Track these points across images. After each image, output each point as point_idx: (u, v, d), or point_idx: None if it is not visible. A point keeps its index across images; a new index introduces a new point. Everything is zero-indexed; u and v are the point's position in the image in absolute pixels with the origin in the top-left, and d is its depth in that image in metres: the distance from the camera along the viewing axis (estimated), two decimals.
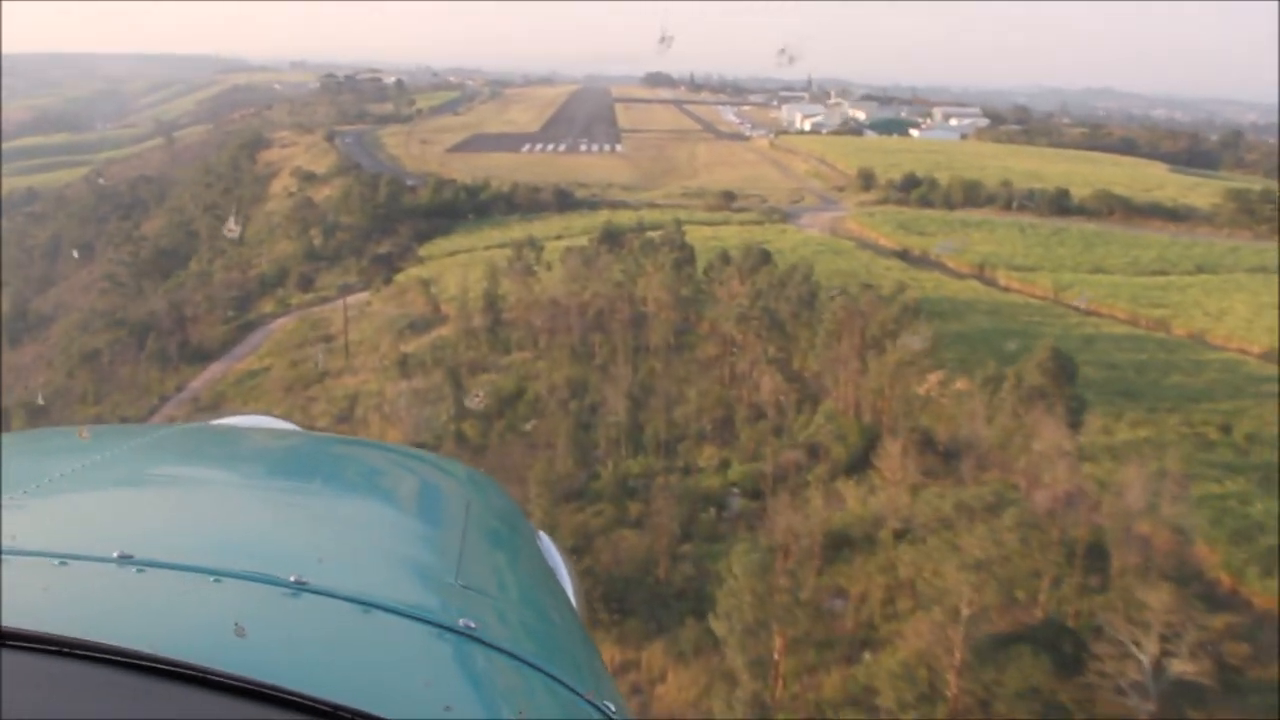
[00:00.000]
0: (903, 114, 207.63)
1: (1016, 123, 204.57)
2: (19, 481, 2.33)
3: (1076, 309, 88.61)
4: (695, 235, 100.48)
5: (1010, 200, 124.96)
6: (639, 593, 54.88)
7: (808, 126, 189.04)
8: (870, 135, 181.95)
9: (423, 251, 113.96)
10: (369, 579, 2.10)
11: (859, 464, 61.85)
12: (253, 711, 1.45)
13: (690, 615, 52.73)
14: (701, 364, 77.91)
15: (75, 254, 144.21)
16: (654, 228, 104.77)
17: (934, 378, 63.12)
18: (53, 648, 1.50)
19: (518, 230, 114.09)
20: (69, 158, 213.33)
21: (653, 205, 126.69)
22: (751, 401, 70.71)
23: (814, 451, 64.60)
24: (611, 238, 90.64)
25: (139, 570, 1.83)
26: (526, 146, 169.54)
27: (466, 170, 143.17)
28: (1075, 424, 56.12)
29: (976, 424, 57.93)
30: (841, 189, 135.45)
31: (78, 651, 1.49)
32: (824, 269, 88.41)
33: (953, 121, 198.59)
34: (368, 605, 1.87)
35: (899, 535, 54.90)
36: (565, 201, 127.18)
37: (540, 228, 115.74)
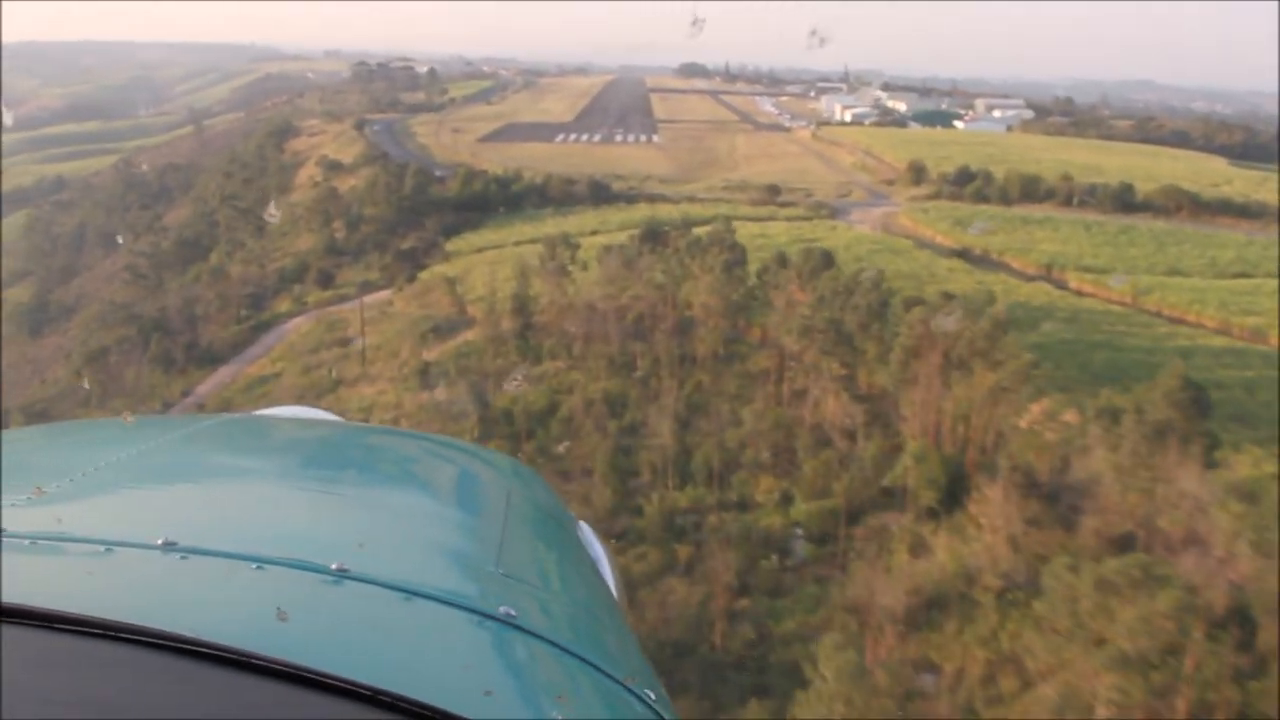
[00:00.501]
0: (943, 105, 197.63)
1: (1061, 114, 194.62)
2: (65, 469, 2.31)
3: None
4: (741, 232, 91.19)
5: (1071, 195, 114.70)
6: (691, 662, 45.10)
7: (848, 117, 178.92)
8: (914, 127, 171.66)
9: (450, 246, 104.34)
10: (410, 567, 2.09)
11: (945, 505, 51.93)
12: (294, 695, 1.46)
13: (752, 693, 43.16)
14: (754, 379, 67.96)
15: (119, 240, 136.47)
16: (698, 222, 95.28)
17: (1037, 408, 52.73)
18: (99, 631, 1.50)
19: (551, 224, 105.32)
20: (100, 145, 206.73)
21: (693, 199, 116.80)
22: (814, 424, 60.83)
23: (890, 488, 54.74)
24: (654, 235, 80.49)
25: (182, 557, 1.84)
26: (560, 136, 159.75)
27: (498, 160, 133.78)
28: (1211, 465, 46.05)
29: (1090, 463, 47.76)
30: (890, 183, 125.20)
31: (123, 635, 1.50)
32: (883, 271, 78.88)
33: (996, 113, 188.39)
34: (409, 593, 1.87)
35: (998, 596, 45.13)
36: (601, 194, 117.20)
37: (575, 222, 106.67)
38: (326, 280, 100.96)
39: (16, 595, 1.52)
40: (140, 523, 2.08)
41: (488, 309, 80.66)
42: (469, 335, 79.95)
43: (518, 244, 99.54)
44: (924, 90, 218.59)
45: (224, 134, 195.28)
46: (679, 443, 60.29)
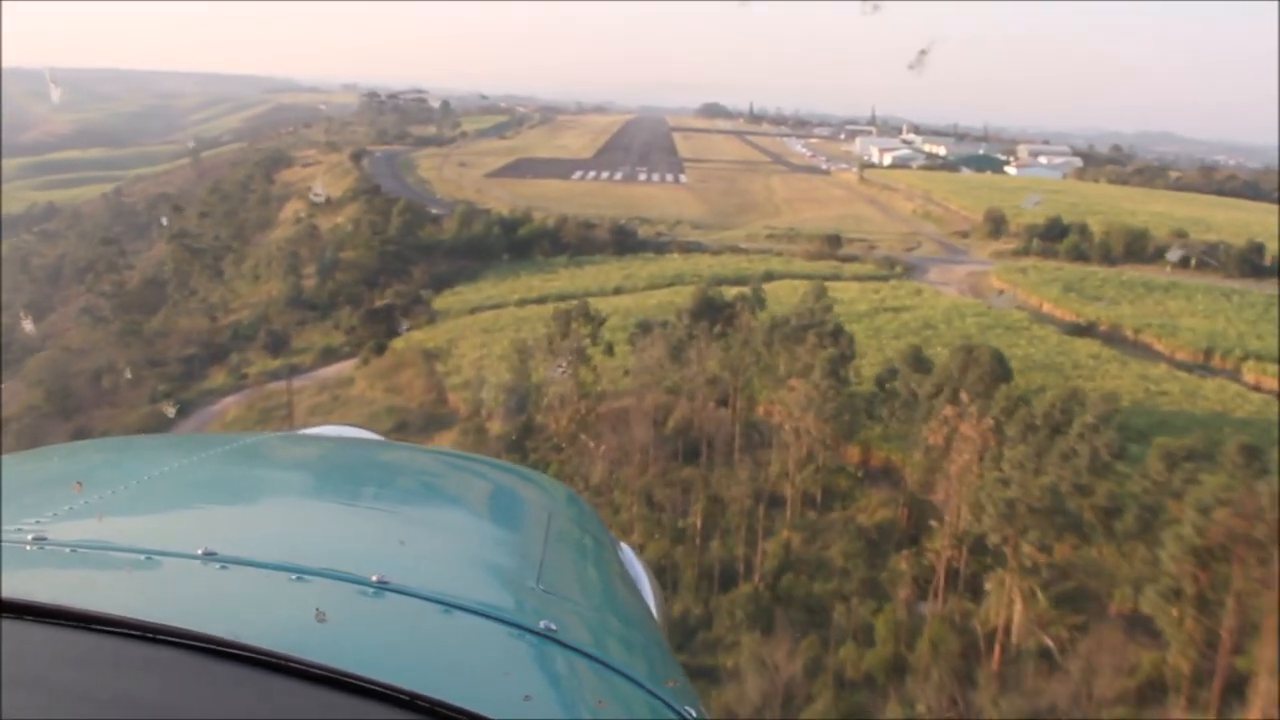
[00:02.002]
0: (980, 151, 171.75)
1: (1111, 162, 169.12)
2: (108, 482, 2.26)
3: None
4: (796, 297, 65.93)
5: (1187, 255, 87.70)
6: None
7: (887, 160, 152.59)
8: (964, 172, 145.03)
9: (438, 303, 77.32)
10: (451, 580, 2.00)
11: None
12: (334, 700, 1.42)
13: None
14: (875, 543, 40.64)
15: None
16: (746, 280, 68.86)
17: None
18: (141, 634, 1.48)
19: (565, 277, 79.04)
20: (101, 173, 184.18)
21: (735, 250, 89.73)
22: (1009, 651, 33.48)
23: None
24: (710, 308, 52.43)
25: (223, 567, 1.78)
26: (578, 174, 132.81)
27: (507, 198, 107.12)
28: None
29: None
30: (964, 234, 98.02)
31: (166, 638, 1.47)
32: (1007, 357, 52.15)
33: (1042, 159, 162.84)
34: (449, 605, 1.80)
35: None
36: (625, 241, 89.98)
37: (593, 275, 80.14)
38: (279, 344, 73.75)
39: (60, 599, 1.51)
40: (181, 533, 1.95)
41: (474, 402, 53.78)
42: (443, 439, 52.51)
43: (522, 303, 72.99)
44: (958, 135, 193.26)
45: (221, 164, 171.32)
46: (765, 668, 32.98)
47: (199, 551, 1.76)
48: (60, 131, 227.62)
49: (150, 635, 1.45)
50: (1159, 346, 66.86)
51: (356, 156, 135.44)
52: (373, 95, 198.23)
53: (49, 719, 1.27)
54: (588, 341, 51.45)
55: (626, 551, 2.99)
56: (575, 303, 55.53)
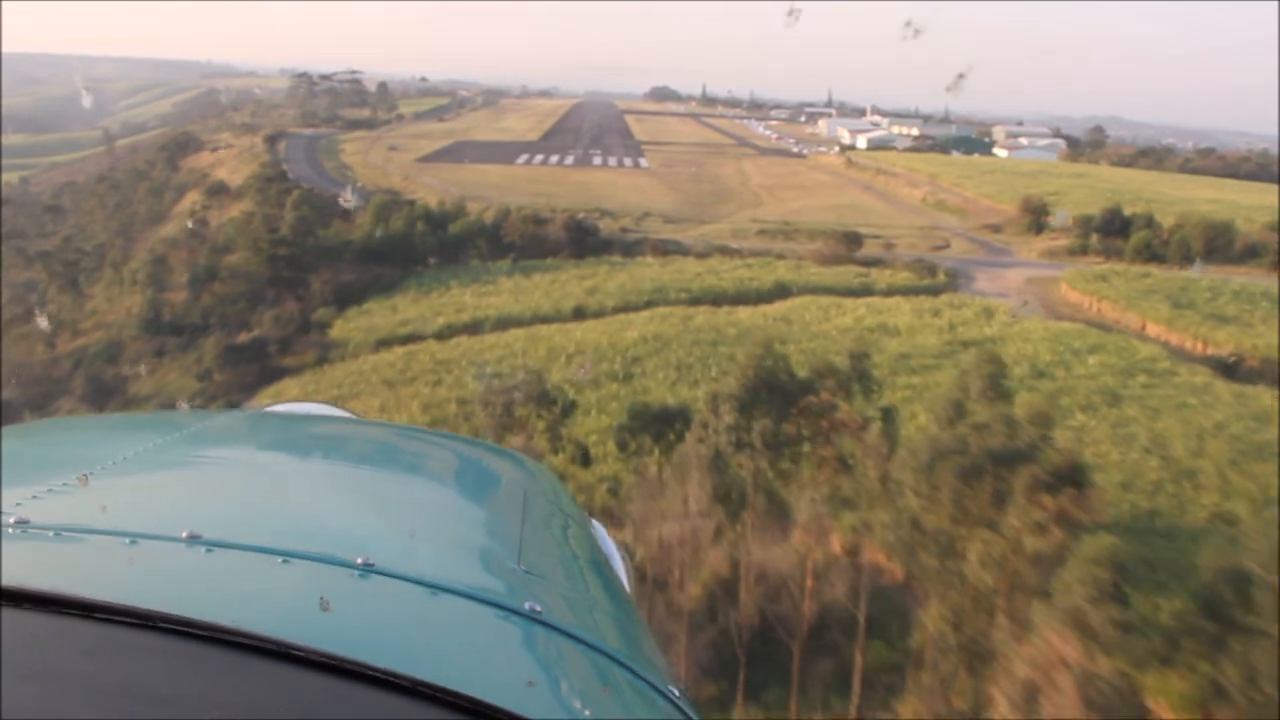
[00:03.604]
0: (953, 131, 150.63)
1: (1094, 145, 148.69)
2: (86, 462, 2.11)
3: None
4: (830, 324, 42.98)
5: None
6: None
7: (862, 143, 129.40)
8: (954, 154, 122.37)
9: (337, 329, 52.87)
10: (434, 562, 1.91)
11: None
12: (337, 687, 1.35)
13: None
14: None
15: None
16: (756, 297, 45.38)
17: None
18: (134, 621, 1.40)
19: (506, 291, 55.80)
20: (19, 160, 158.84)
21: (724, 251, 65.28)
22: None
23: None
24: (774, 393, 27.33)
25: (208, 550, 1.70)
26: (523, 157, 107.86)
27: (439, 185, 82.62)
28: None
29: None
30: (995, 228, 74.30)
31: (159, 625, 1.39)
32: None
33: (1024, 141, 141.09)
34: (435, 588, 1.73)
35: None
36: (585, 241, 65.47)
37: (545, 288, 56.36)
38: (103, 393, 48.83)
39: (47, 584, 1.42)
40: (164, 515, 1.85)
41: None
42: None
43: (446, 332, 49.11)
44: (923, 118, 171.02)
45: (137, 151, 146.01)
46: None
47: (183, 535, 1.68)
48: None
49: (145, 622, 1.37)
50: None
51: (271, 139, 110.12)
52: (304, 76, 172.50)
53: (55, 709, 1.19)
54: (543, 441, 27.44)
55: (598, 528, 2.76)
56: (522, 368, 31.31)
